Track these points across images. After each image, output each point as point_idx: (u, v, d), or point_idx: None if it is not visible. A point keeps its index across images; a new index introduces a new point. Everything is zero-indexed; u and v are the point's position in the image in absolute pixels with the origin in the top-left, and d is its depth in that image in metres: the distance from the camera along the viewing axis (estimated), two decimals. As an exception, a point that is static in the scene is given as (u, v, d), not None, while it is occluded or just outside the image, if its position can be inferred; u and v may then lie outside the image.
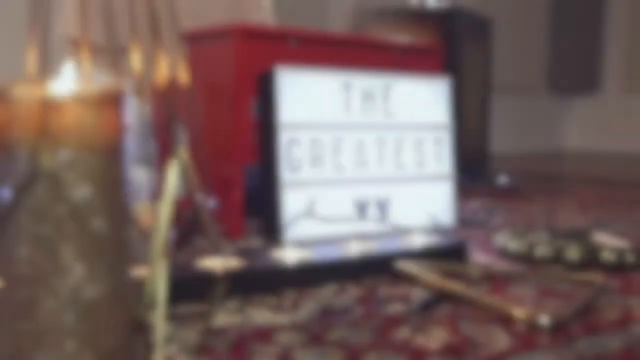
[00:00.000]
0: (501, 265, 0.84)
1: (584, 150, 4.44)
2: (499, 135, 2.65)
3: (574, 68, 4.44)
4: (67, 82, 0.40)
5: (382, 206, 1.09)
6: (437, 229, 1.11)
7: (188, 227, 0.99)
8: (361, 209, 1.08)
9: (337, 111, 1.05)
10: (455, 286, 0.69)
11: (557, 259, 0.83)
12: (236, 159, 1.04)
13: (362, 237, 1.05)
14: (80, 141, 0.38)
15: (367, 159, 1.08)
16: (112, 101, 0.40)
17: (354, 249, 0.79)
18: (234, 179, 1.04)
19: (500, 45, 2.40)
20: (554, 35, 4.44)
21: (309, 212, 1.00)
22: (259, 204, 1.04)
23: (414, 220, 1.12)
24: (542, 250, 0.83)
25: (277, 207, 0.99)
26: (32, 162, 0.37)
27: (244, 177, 1.05)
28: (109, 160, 0.40)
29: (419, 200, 1.13)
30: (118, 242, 0.40)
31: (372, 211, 1.08)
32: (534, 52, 4.35)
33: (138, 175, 1.01)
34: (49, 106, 0.37)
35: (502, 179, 2.18)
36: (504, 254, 0.91)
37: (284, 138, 1.00)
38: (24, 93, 0.38)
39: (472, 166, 2.13)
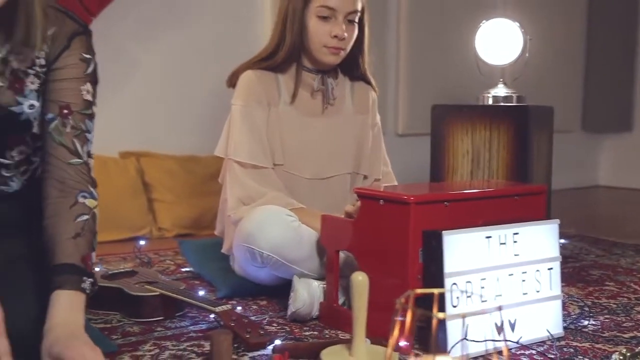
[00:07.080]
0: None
1: (616, 186, 4.75)
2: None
3: (607, 108, 4.74)
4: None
5: (513, 325, 1.44)
6: (552, 341, 1.46)
7: None
8: (499, 329, 1.42)
9: (482, 258, 1.40)
10: None
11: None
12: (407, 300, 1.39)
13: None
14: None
15: (502, 291, 1.43)
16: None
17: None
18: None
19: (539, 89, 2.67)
20: (588, 78, 4.73)
21: (464, 336, 1.35)
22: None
23: (533, 334, 1.47)
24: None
25: (443, 335, 1.34)
26: None
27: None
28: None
29: (537, 318, 1.48)
30: None
31: (507, 330, 1.43)
32: (569, 94, 4.66)
33: None
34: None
35: (563, 242, 2.51)
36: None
37: (448, 284, 1.35)
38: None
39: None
